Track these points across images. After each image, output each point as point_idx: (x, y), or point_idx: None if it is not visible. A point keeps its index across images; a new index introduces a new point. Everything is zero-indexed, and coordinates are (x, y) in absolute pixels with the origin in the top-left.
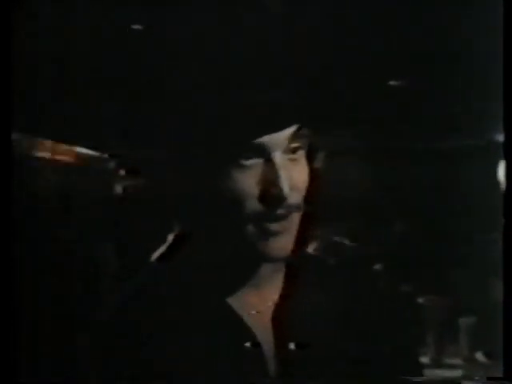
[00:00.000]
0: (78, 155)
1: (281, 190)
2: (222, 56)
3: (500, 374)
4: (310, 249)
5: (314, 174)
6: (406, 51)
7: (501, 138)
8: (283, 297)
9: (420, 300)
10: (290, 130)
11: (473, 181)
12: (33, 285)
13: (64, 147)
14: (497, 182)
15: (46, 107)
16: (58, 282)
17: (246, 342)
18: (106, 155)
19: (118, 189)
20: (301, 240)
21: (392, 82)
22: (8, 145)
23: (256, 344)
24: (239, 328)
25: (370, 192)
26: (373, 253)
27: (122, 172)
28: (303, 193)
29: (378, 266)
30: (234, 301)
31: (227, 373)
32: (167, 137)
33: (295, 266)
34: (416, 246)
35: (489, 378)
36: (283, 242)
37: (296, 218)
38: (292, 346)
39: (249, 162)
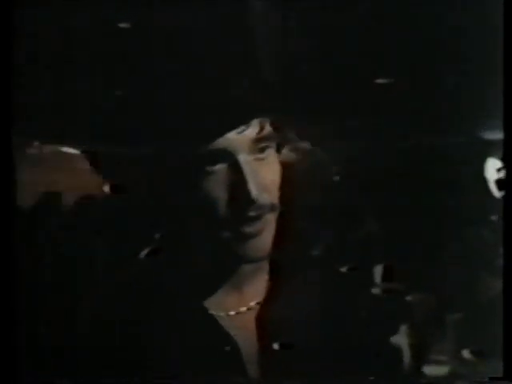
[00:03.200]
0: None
1: (248, 193)
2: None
3: (487, 372)
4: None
5: (286, 171)
6: (400, 49)
7: (490, 135)
8: (267, 296)
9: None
10: (252, 131)
11: (465, 177)
12: (32, 284)
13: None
14: (486, 180)
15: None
16: (58, 281)
17: (224, 345)
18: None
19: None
20: (279, 239)
21: (380, 80)
22: (8, 145)
23: (235, 348)
24: (217, 330)
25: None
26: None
27: (106, 188)
28: (275, 192)
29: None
30: (213, 303)
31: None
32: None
33: (278, 265)
34: (404, 243)
35: (490, 379)
36: (260, 243)
37: (271, 218)
38: (276, 346)
39: (214, 168)
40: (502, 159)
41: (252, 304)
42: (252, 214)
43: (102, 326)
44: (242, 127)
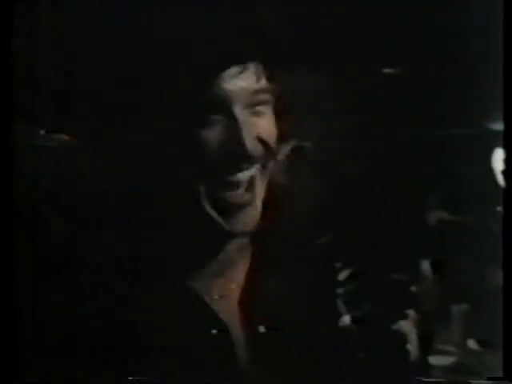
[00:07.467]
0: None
1: (243, 145)
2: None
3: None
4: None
5: (281, 130)
6: (405, 41)
7: (497, 126)
8: (250, 278)
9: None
10: (249, 81)
11: (469, 168)
12: (32, 281)
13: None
14: (492, 170)
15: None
16: (58, 276)
17: (212, 328)
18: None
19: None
20: (266, 213)
21: (387, 70)
22: (8, 138)
23: (223, 330)
24: (205, 313)
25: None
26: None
27: None
28: (272, 143)
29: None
30: (199, 285)
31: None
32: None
33: (262, 245)
34: (409, 233)
35: (489, 378)
36: (247, 216)
37: (260, 189)
38: (262, 329)
39: (211, 120)
40: (504, 150)
41: (233, 287)
42: (245, 167)
43: (98, 318)
44: (237, 68)
